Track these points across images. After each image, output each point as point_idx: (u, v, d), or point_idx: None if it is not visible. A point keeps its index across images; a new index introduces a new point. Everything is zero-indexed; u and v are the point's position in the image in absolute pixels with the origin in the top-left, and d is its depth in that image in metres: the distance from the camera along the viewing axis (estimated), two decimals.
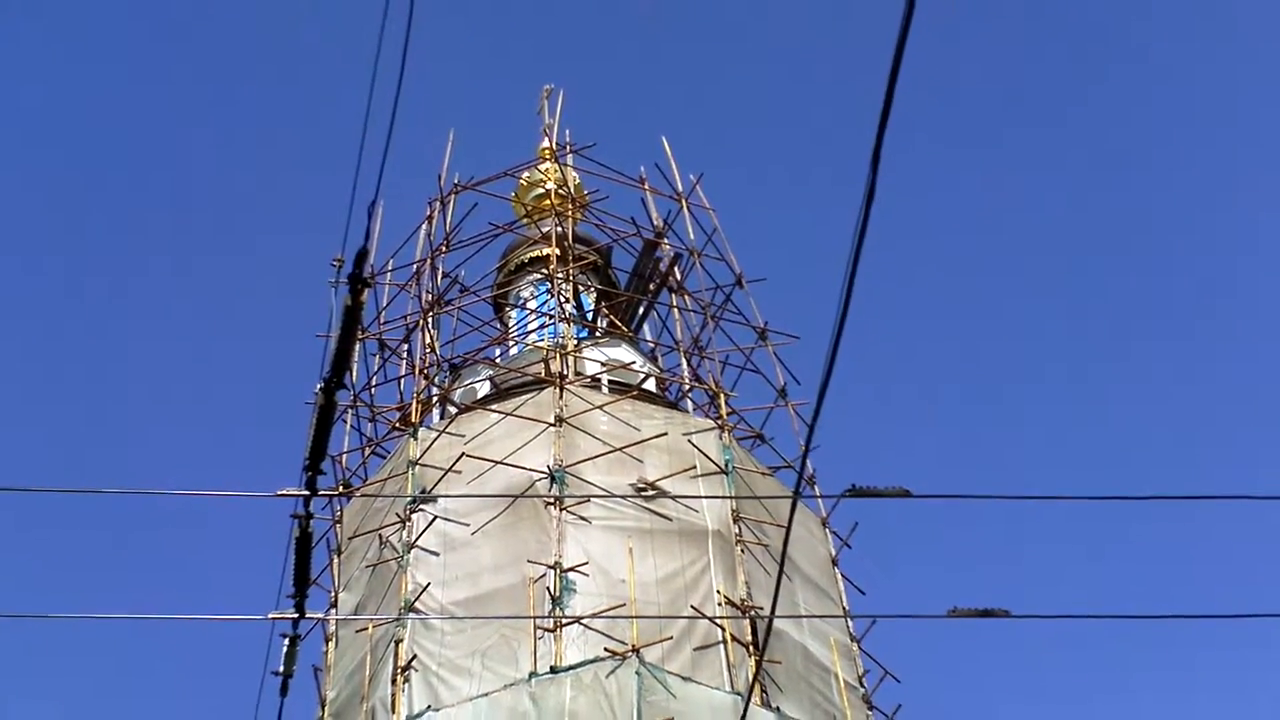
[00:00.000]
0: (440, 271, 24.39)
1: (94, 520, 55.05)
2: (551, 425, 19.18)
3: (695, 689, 16.41)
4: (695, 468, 19.17)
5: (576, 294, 24.84)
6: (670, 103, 58.76)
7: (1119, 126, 57.80)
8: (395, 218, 25.12)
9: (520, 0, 62.28)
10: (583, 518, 18.19)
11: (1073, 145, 58.72)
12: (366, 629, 18.17)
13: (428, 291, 23.81)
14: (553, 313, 23.12)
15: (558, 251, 23.60)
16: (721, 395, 21.44)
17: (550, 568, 17.35)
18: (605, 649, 16.36)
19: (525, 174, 27.18)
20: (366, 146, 8.70)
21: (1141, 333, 55.86)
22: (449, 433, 19.69)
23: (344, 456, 21.86)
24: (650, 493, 18.69)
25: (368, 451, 22.36)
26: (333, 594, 19.74)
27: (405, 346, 23.57)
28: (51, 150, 58.55)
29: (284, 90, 60.90)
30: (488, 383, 22.66)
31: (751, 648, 17.11)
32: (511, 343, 24.53)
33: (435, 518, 18.51)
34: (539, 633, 16.75)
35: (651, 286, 25.57)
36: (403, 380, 23.20)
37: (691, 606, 17.32)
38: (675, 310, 24.42)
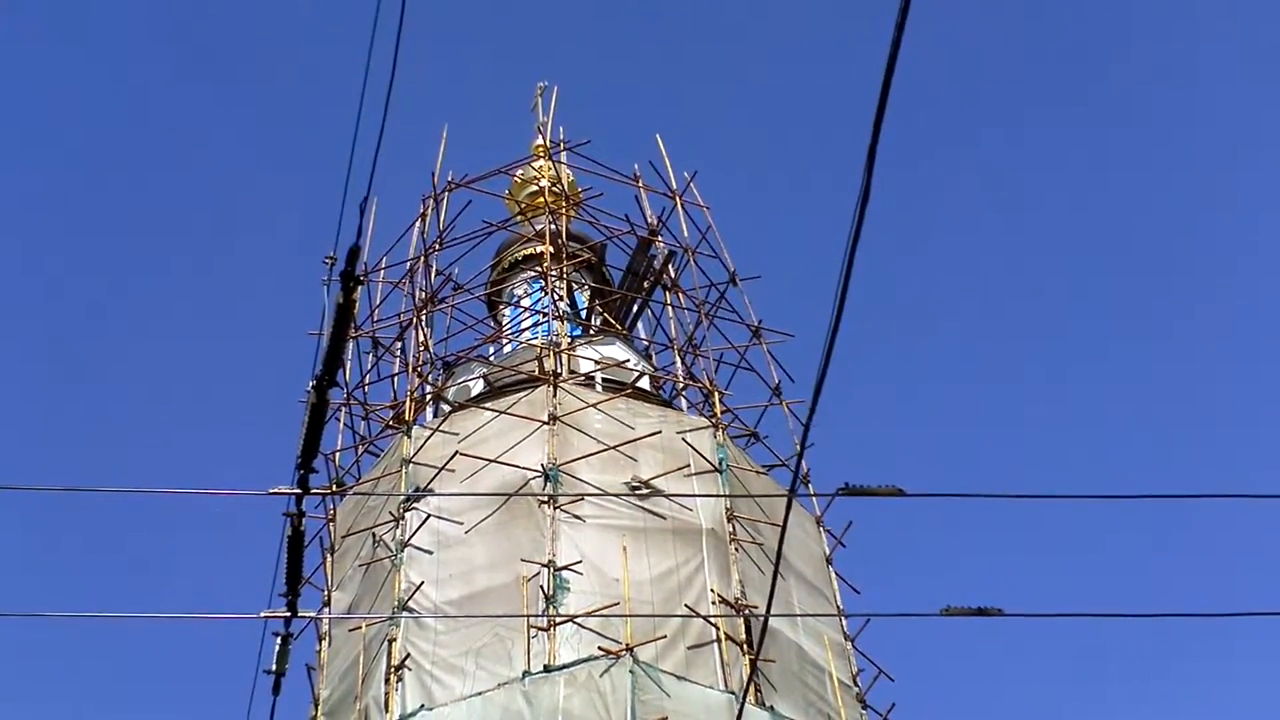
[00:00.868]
0: (434, 269, 24.37)
1: (85, 519, 54.99)
2: (545, 423, 19.16)
3: (690, 688, 16.39)
4: (689, 466, 19.15)
5: (570, 292, 24.81)
6: (665, 100, 58.78)
7: (1114, 127, 57.88)
8: (388, 215, 25.12)
9: None
10: (577, 516, 18.16)
11: (1070, 145, 58.78)
12: (360, 628, 18.14)
13: (421, 289, 23.78)
14: (546, 310, 23.08)
15: (551, 249, 23.56)
16: (716, 393, 21.43)
17: (544, 566, 17.32)
18: (599, 648, 16.33)
19: (519, 171, 27.12)
20: (359, 143, 8.68)
21: (1135, 333, 55.92)
22: (442, 431, 19.65)
23: (337, 455, 21.85)
24: (644, 491, 18.67)
25: (361, 450, 22.34)
26: (326, 593, 19.71)
27: (399, 344, 23.53)
28: (43, 148, 58.47)
29: (276, 87, 60.87)
30: (481, 381, 22.63)
31: (746, 647, 17.09)
32: (505, 341, 24.49)
33: (429, 516, 18.47)
34: (533, 632, 16.72)
35: (646, 284, 25.54)
36: (396, 378, 23.17)
37: (686, 605, 17.29)
38: (669, 308, 24.42)
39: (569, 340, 22.26)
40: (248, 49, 61.81)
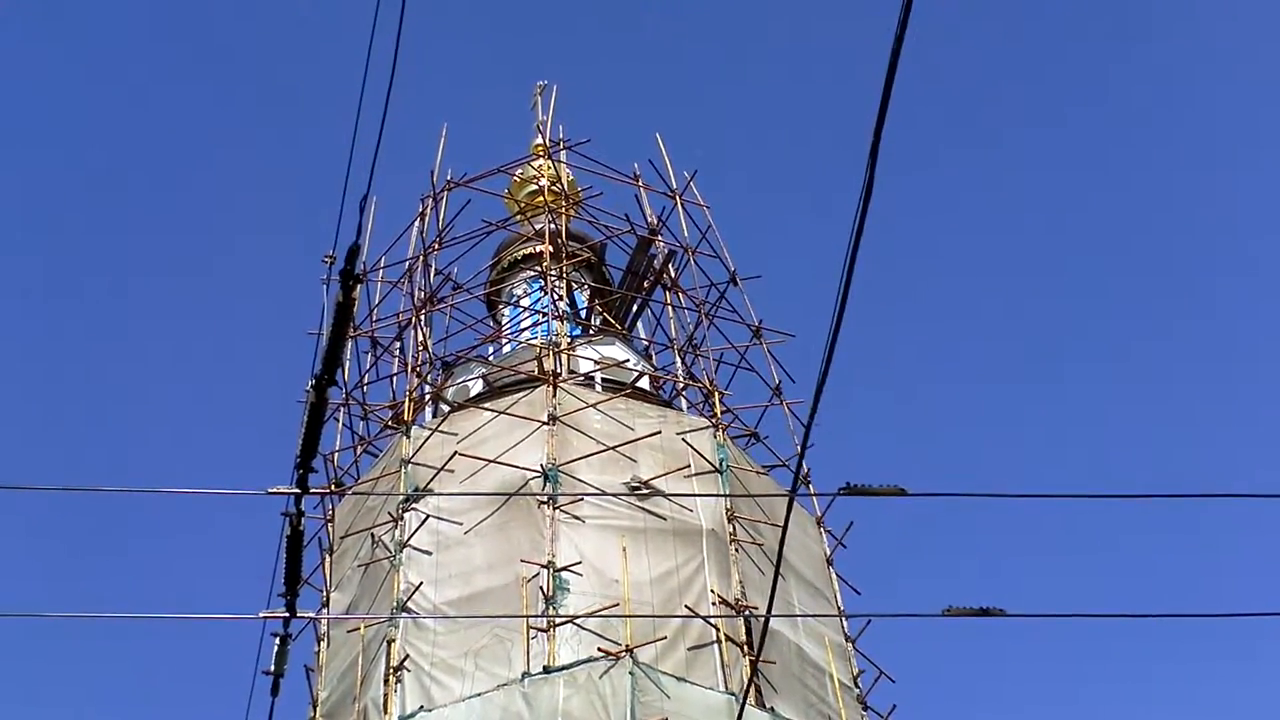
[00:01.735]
0: (433, 269, 24.34)
1: (83, 518, 54.87)
2: (545, 423, 19.11)
3: (689, 689, 16.35)
4: (689, 466, 19.11)
5: (570, 291, 24.76)
6: (664, 99, 58.72)
7: (1115, 127, 57.84)
8: (388, 214, 25.09)
9: None
10: (576, 517, 18.11)
11: (1070, 146, 58.72)
12: (359, 629, 18.10)
13: (420, 289, 23.75)
14: (546, 310, 23.04)
15: (551, 249, 23.51)
16: (716, 393, 21.39)
17: (543, 567, 17.27)
18: (599, 649, 16.29)
19: (519, 170, 27.08)
20: (358, 142, 8.65)
21: (1137, 332, 55.89)
22: (441, 431, 19.61)
23: (336, 455, 21.80)
24: (644, 491, 18.63)
25: (360, 450, 22.30)
26: (325, 593, 19.66)
27: (398, 344, 23.50)
28: (41, 149, 58.41)
29: (275, 86, 60.80)
30: (481, 381, 22.58)
31: (746, 648, 17.04)
32: (504, 340, 24.46)
33: (428, 516, 18.43)
34: (532, 632, 16.68)
35: (645, 284, 25.50)
36: (395, 378, 23.13)
37: (686, 606, 17.25)
38: (669, 308, 24.39)
39: (568, 340, 22.21)
40: (247, 48, 61.79)
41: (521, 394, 20.09)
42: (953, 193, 59.89)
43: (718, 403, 21.13)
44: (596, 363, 22.20)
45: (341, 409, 22.30)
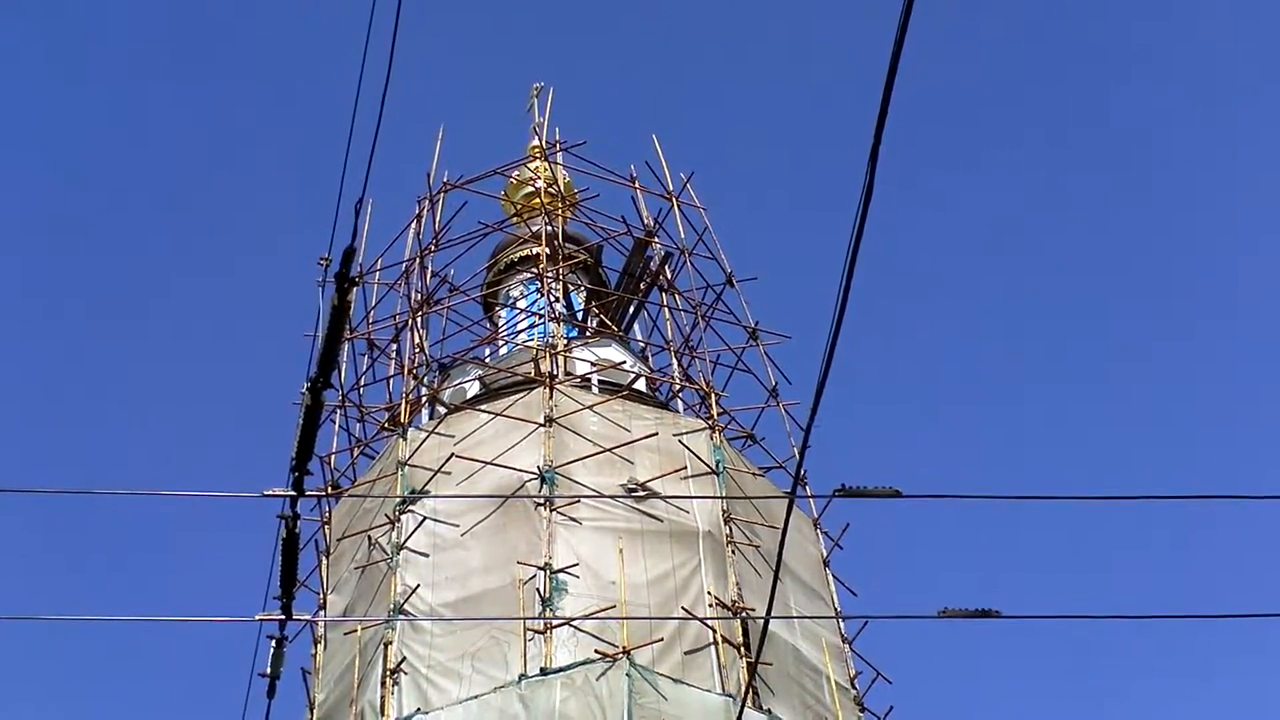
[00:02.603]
0: (429, 271, 24.31)
1: (78, 521, 54.86)
2: (541, 425, 19.10)
3: (686, 691, 16.35)
4: (686, 468, 19.10)
5: (566, 293, 24.74)
6: (661, 101, 58.66)
7: (1115, 131, 57.82)
8: (384, 216, 25.05)
9: None
10: (573, 519, 18.10)
11: (1070, 147, 58.70)
12: (355, 631, 18.08)
13: (417, 291, 23.73)
14: (542, 312, 23.03)
15: (547, 250, 23.49)
16: (712, 395, 21.37)
17: (540, 569, 17.26)
18: (596, 651, 16.28)
19: (515, 172, 27.06)
20: (355, 144, 8.64)
21: (1134, 332, 55.89)
22: (438, 433, 19.60)
23: (332, 457, 21.79)
24: (641, 493, 18.62)
25: (356, 452, 22.29)
26: (321, 596, 19.64)
27: (394, 346, 23.50)
28: (40, 149, 58.35)
29: (271, 87, 60.77)
30: (477, 383, 22.56)
31: (743, 649, 17.04)
32: (501, 342, 24.44)
33: (424, 519, 18.41)
34: (529, 634, 16.66)
35: (642, 286, 25.48)
36: (391, 380, 23.13)
37: (682, 608, 17.25)
38: (666, 310, 24.36)
39: (565, 342, 22.19)
40: (243, 49, 61.74)
41: (518, 396, 20.07)
42: (951, 194, 59.92)
43: (714, 404, 21.12)
44: (593, 364, 22.19)
45: (338, 411, 22.30)
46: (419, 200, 25.26)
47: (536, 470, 18.52)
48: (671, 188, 25.34)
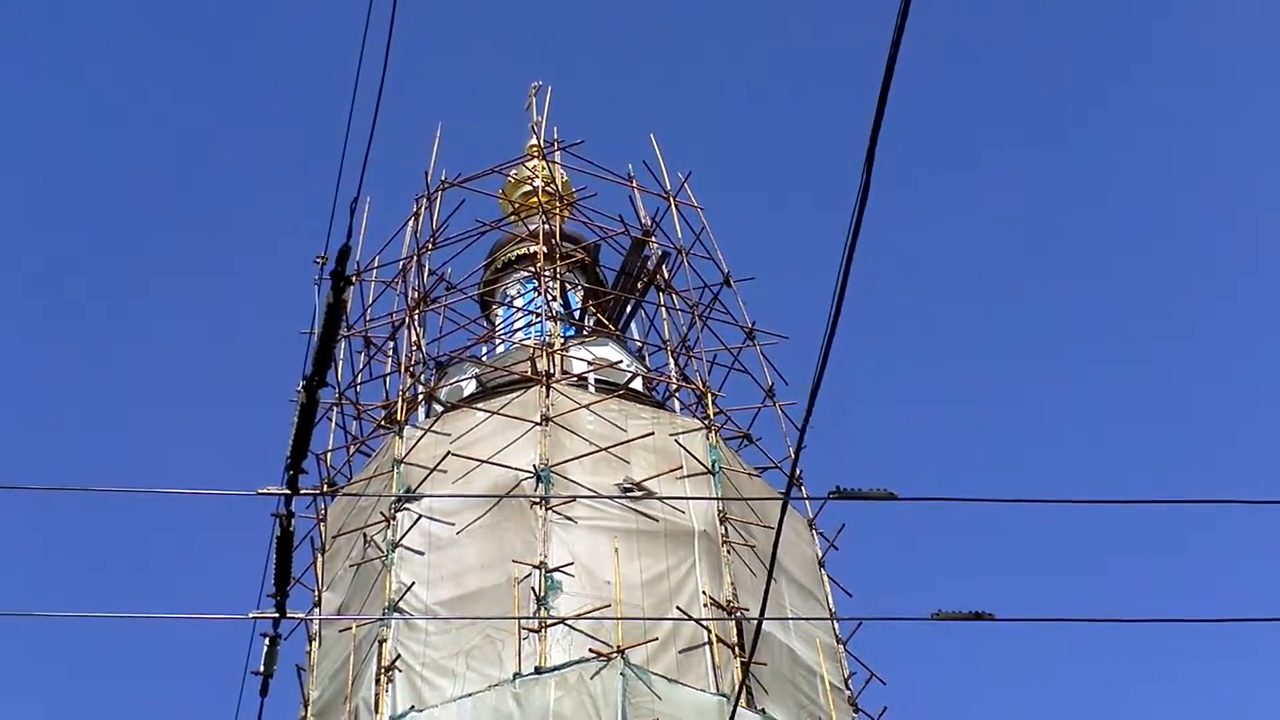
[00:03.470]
0: (426, 269, 24.31)
1: (73, 518, 54.81)
2: (537, 424, 19.10)
3: (680, 690, 16.35)
4: (682, 468, 19.10)
5: (563, 292, 24.75)
6: (659, 100, 58.68)
7: (1114, 131, 57.85)
8: (381, 214, 25.06)
9: None
10: (568, 518, 18.11)
11: (1068, 148, 58.70)
12: (350, 629, 18.08)
13: (414, 289, 23.72)
14: (539, 311, 23.04)
15: (545, 249, 23.50)
16: (709, 395, 21.37)
17: (535, 568, 17.27)
18: (590, 650, 16.29)
19: (513, 171, 27.05)
20: (352, 142, 8.64)
21: (1129, 335, 55.93)
22: (434, 431, 19.60)
23: (328, 455, 21.79)
24: (636, 493, 18.62)
25: (352, 450, 22.28)
26: (316, 593, 19.64)
27: (391, 344, 23.50)
28: (39, 149, 58.33)
29: (269, 85, 60.75)
30: (474, 381, 22.56)
31: (737, 649, 17.04)
32: (498, 341, 24.44)
33: (420, 517, 18.42)
34: (524, 633, 16.68)
35: (639, 285, 25.48)
36: (388, 378, 23.13)
37: (677, 608, 17.25)
38: (663, 309, 24.37)
39: (562, 341, 22.20)
40: (241, 48, 61.73)
41: (514, 394, 20.07)
42: (948, 194, 59.93)
43: (710, 404, 21.12)
44: (590, 364, 22.19)
45: (334, 409, 22.28)
46: (417, 198, 25.28)
47: (532, 469, 18.53)
48: (669, 187, 25.36)
